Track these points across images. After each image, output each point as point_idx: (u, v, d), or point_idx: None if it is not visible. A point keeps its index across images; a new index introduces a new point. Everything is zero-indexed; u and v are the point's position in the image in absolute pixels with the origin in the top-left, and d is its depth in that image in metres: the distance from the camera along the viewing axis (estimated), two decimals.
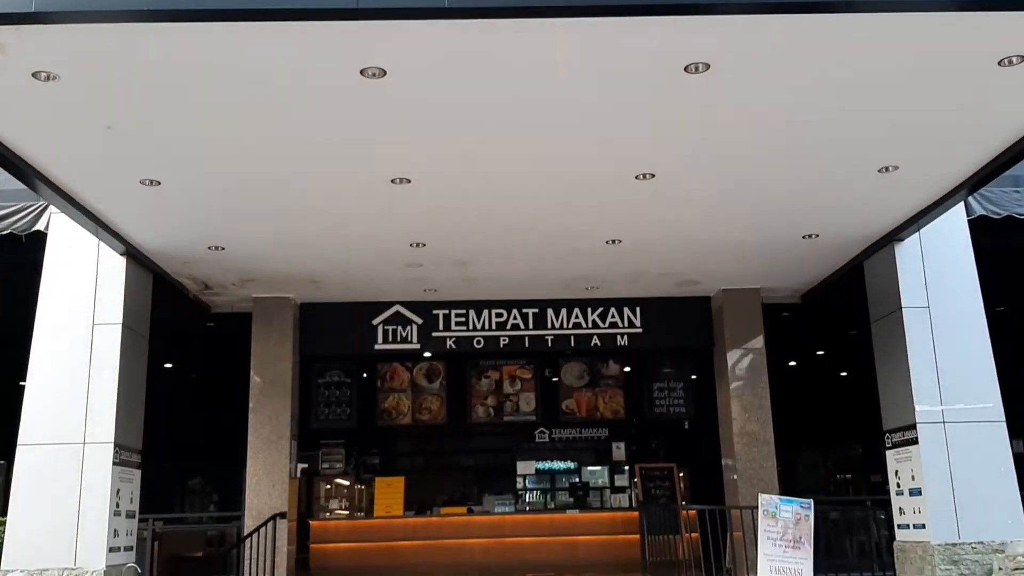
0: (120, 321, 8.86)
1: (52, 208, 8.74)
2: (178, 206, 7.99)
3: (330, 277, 10.33)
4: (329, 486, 15.93)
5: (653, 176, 7.44)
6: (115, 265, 9.01)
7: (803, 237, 9.25)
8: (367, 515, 14.96)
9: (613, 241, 9.19)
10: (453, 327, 11.53)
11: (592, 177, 7.54)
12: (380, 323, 11.49)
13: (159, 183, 7.36)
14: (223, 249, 9.18)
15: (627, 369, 15.05)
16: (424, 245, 9.15)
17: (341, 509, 15.44)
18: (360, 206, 8.08)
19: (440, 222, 8.57)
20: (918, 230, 9.12)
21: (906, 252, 9.30)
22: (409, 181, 7.41)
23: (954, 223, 9.35)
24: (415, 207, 8.09)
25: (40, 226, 9.03)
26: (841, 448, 23.21)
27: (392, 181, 7.41)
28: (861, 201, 8.29)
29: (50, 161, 6.88)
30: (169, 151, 6.79)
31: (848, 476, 23.34)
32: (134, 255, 9.07)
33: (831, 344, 15.72)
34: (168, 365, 15.67)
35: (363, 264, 9.82)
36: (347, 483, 16.04)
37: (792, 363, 15.69)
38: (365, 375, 14.99)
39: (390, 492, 14.63)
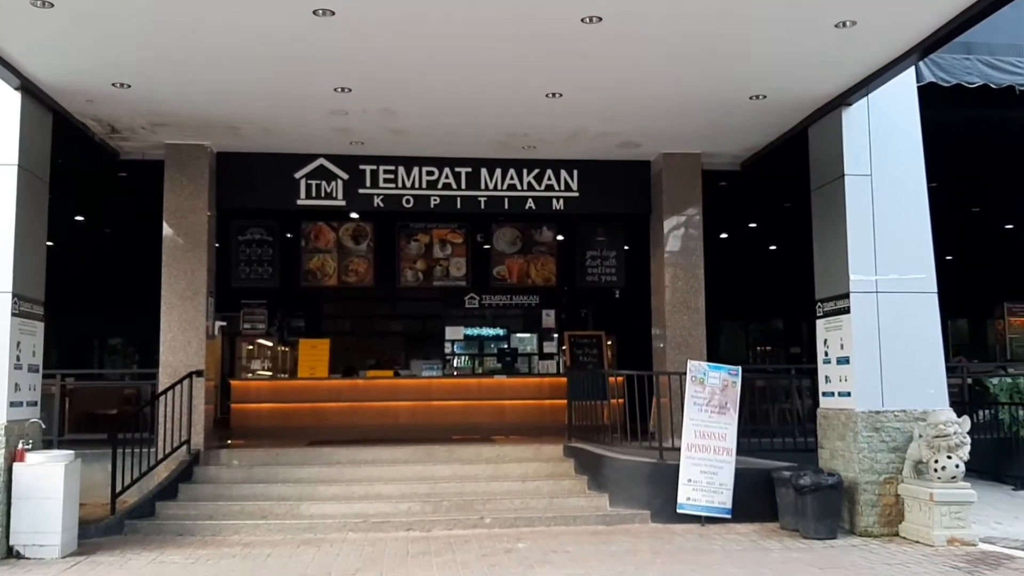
0: (16, 162, 8.09)
1: None
2: (76, 34, 7.18)
3: (249, 123, 9.62)
4: (251, 347, 15.58)
5: (600, 20, 6.88)
6: (9, 100, 8.16)
7: (750, 98, 8.87)
8: (291, 377, 14.69)
9: (554, 95, 8.66)
10: (381, 184, 10.97)
11: (535, 21, 6.95)
12: (303, 177, 10.87)
13: (52, 5, 6.55)
14: (129, 87, 8.39)
15: (560, 237, 14.77)
16: (349, 91, 8.50)
17: (264, 370, 15.14)
18: (280, 43, 7.36)
19: (367, 65, 7.91)
20: (867, 95, 8.80)
21: (853, 118, 8.99)
22: (333, 13, 6.72)
23: (903, 90, 9.04)
24: (340, 46, 7.42)
25: None
26: (762, 321, 23.71)
27: (315, 12, 6.71)
28: (813, 60, 7.90)
29: None
30: None
31: (768, 348, 23.98)
32: (30, 90, 8.22)
33: (763, 217, 15.66)
34: (80, 218, 14.90)
35: (284, 109, 9.13)
36: (270, 344, 15.68)
37: (723, 235, 15.62)
38: (289, 235, 14.42)
39: (315, 354, 14.34)
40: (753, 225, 16.42)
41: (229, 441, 11.69)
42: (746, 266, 16.59)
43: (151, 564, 7.45)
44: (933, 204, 9.03)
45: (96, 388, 13.28)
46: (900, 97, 9.06)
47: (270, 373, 15.07)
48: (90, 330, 18.92)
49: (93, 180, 12.20)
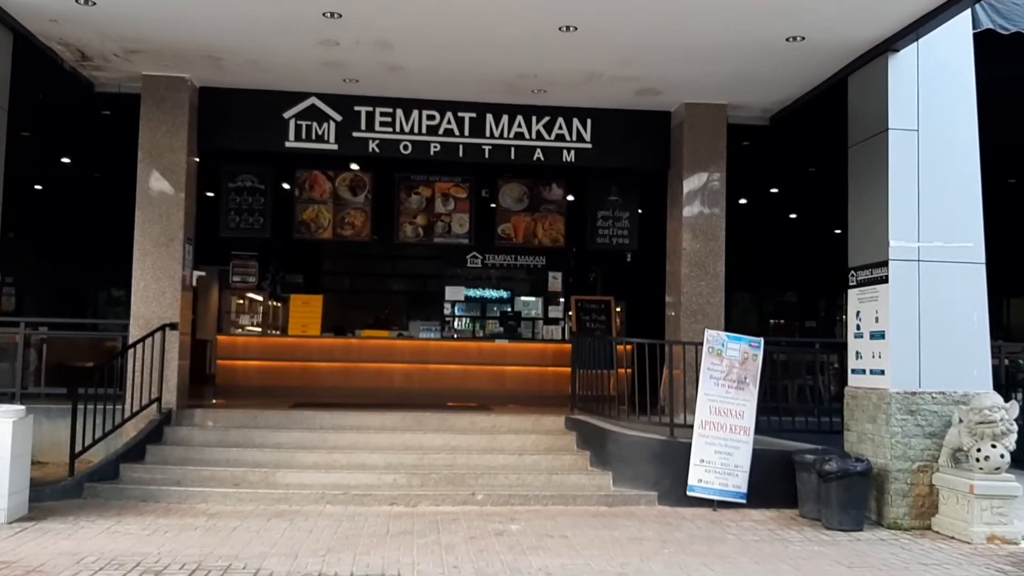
0: None
1: None
2: None
3: (231, 52, 8.73)
4: (241, 301, 14.84)
5: None
6: None
7: (787, 39, 7.94)
8: (282, 334, 13.93)
9: (567, 28, 7.74)
10: (377, 128, 10.08)
11: None
12: (292, 117, 9.99)
13: None
14: (94, 4, 7.50)
15: (570, 198, 13.88)
16: (340, 16, 7.59)
17: (253, 326, 14.38)
18: None
19: None
20: (916, 40, 7.88)
21: (900, 66, 8.06)
22: None
23: (957, 37, 8.10)
24: None
25: None
26: (777, 293, 22.83)
27: None
28: None
29: None
30: None
31: (781, 321, 23.12)
32: None
33: (786, 181, 14.71)
34: (66, 160, 14.07)
35: (269, 37, 8.23)
36: (261, 299, 14.90)
37: (742, 200, 14.70)
38: (286, 186, 13.58)
39: (306, 311, 13.56)
40: (775, 190, 15.50)
41: (211, 400, 10.96)
42: (762, 235, 15.67)
43: (103, 534, 6.70)
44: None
45: (76, 339, 12.51)
46: (953, 44, 8.12)
47: (260, 329, 14.30)
48: (90, 280, 18.15)
49: (75, 118, 11.37)
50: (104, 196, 14.35)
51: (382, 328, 14.79)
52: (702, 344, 8.45)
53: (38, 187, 15.36)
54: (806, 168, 13.89)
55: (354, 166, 13.47)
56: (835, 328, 21.60)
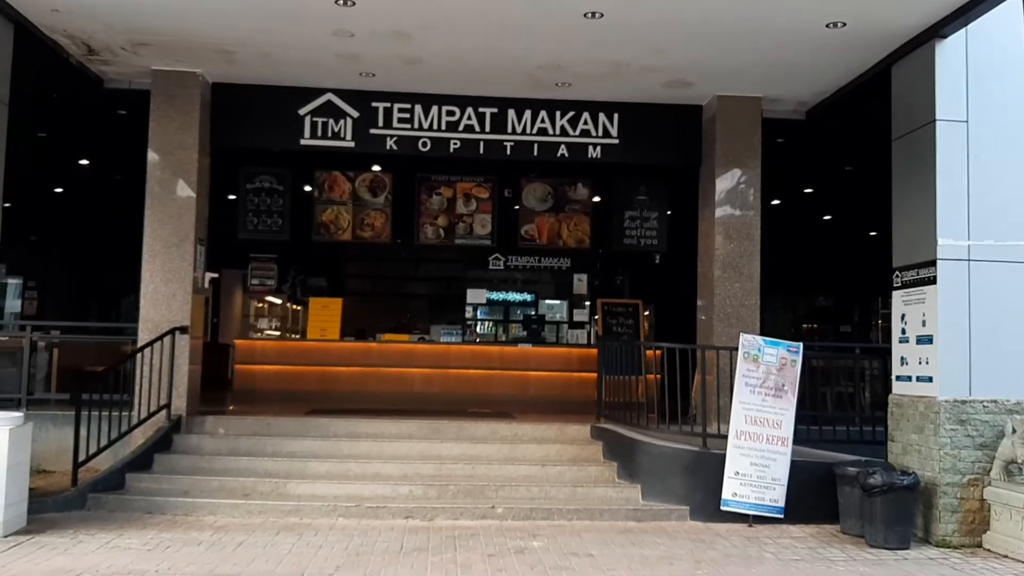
0: None
1: None
2: None
3: (243, 46, 8.39)
4: (261, 304, 14.53)
5: None
6: None
7: (827, 25, 7.46)
8: (301, 338, 13.60)
9: (592, 14, 7.31)
10: (395, 124, 9.70)
11: None
12: (308, 113, 9.63)
13: None
14: None
15: (596, 199, 13.43)
16: (354, 4, 7.21)
17: (272, 329, 14.06)
18: None
19: None
20: (965, 25, 7.37)
21: (947, 52, 7.55)
22: None
23: (1008, 21, 7.56)
24: None
25: None
26: (810, 297, 22.21)
27: None
28: None
29: None
30: None
31: (815, 326, 22.50)
32: None
33: (821, 181, 14.14)
34: (84, 162, 13.84)
35: (280, 26, 7.85)
36: (280, 302, 14.59)
37: (775, 201, 14.18)
38: (307, 188, 13.25)
39: (326, 314, 13.27)
40: (809, 190, 14.94)
41: (226, 406, 10.63)
42: (795, 236, 15.14)
43: (101, 549, 6.35)
44: None
45: (88, 344, 12.24)
46: (1005, 30, 7.59)
47: (279, 333, 13.98)
48: (114, 284, 17.93)
49: (91, 118, 11.08)
50: (125, 197, 14.06)
51: (403, 332, 14.43)
52: (736, 349, 7.98)
53: (59, 189, 15.15)
54: (842, 166, 13.34)
55: (376, 167, 13.13)
56: (870, 333, 20.98)
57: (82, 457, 7.92)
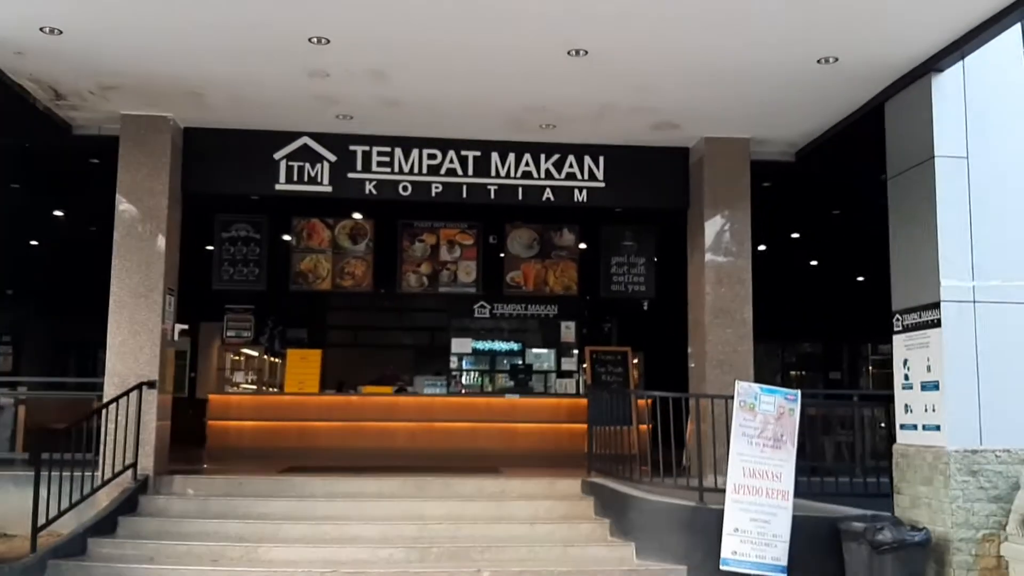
0: None
1: None
2: None
3: (215, 87, 8.09)
4: (237, 357, 14.06)
5: None
6: None
7: (818, 61, 7.23)
8: (279, 392, 13.13)
9: (577, 52, 7.06)
10: (374, 168, 9.39)
11: None
12: (283, 158, 9.32)
13: None
14: (61, 33, 6.88)
15: (583, 245, 13.13)
16: (328, 42, 6.94)
17: (248, 383, 13.59)
18: None
19: (347, 7, 6.38)
20: (962, 58, 7.15)
21: (944, 87, 7.32)
22: None
23: (1005, 53, 7.39)
24: None
25: None
26: (797, 343, 21.92)
27: None
28: (899, 10, 6.30)
29: None
30: None
31: (803, 373, 22.18)
32: None
33: (808, 225, 13.93)
34: (59, 214, 13.46)
35: (252, 67, 7.57)
36: (256, 355, 14.14)
37: (761, 247, 13.94)
38: (285, 236, 12.91)
39: (304, 366, 12.82)
40: (796, 235, 14.72)
41: (199, 465, 10.13)
42: (782, 282, 14.83)
43: None
44: None
45: (59, 399, 11.73)
46: (1002, 62, 7.41)
47: (255, 387, 13.51)
48: (90, 337, 17.45)
49: (63, 168, 10.76)
50: (100, 248, 13.70)
51: (387, 383, 14.00)
52: (731, 397, 7.60)
53: (34, 242, 14.75)
54: (830, 209, 13.16)
55: (356, 215, 12.81)
56: (859, 379, 20.71)
57: (42, 520, 7.39)
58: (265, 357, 14.05)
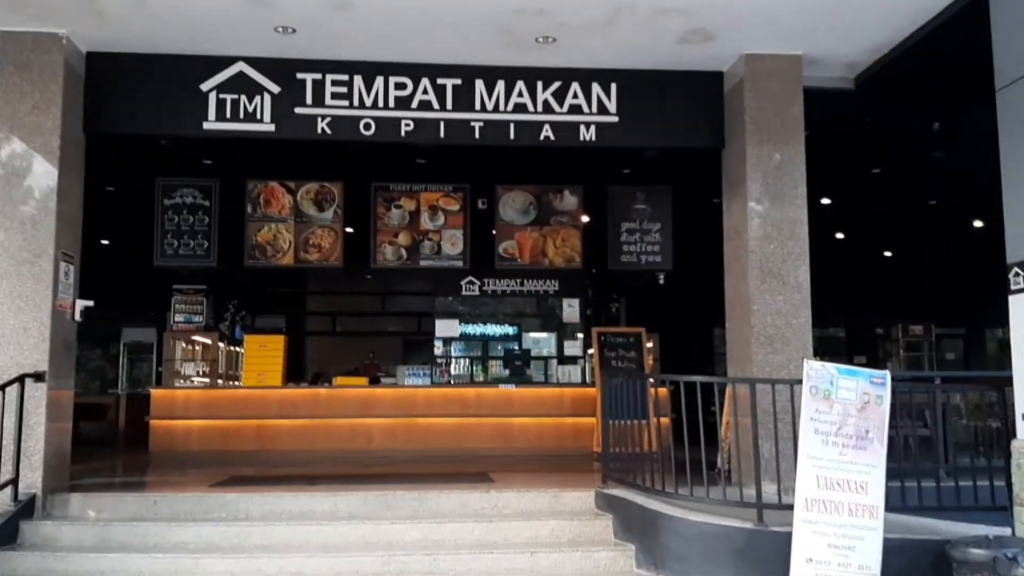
0: None
1: None
2: None
3: None
4: (187, 346, 12.12)
5: None
6: None
7: None
8: (238, 386, 11.25)
9: None
10: (328, 101, 7.45)
11: None
12: (213, 89, 7.36)
13: None
14: None
15: (586, 216, 11.23)
16: None
17: (200, 376, 11.69)
18: None
19: None
20: None
21: None
22: None
23: None
24: None
25: None
26: (818, 327, 20.12)
27: None
28: None
29: None
30: None
31: (824, 358, 20.36)
32: None
33: (842, 184, 11.92)
34: None
35: None
36: (210, 342, 12.22)
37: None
38: (239, 203, 10.98)
39: (264, 355, 10.99)
40: (826, 201, 12.78)
41: (124, 476, 8.24)
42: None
43: None
44: None
45: None
46: None
47: (207, 381, 11.61)
48: None
49: None
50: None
51: (362, 374, 12.15)
52: (793, 382, 5.72)
53: None
54: (870, 166, 11.28)
55: (323, 182, 10.90)
56: (887, 364, 18.90)
57: None
58: (221, 346, 12.16)
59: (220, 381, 11.93)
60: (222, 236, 10.90)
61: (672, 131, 7.76)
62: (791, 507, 5.46)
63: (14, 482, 6.37)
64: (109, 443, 12.14)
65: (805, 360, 5.75)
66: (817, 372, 5.62)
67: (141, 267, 10.98)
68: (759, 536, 5.57)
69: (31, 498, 6.44)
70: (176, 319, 11.68)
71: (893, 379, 5.76)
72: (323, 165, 10.72)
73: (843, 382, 5.62)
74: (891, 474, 5.92)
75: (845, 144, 9.73)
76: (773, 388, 6.09)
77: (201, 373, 11.64)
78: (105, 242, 12.98)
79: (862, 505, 5.48)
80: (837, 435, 5.55)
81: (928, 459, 7.20)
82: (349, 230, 11.25)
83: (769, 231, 7.20)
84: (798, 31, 6.93)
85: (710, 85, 7.71)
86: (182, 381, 11.47)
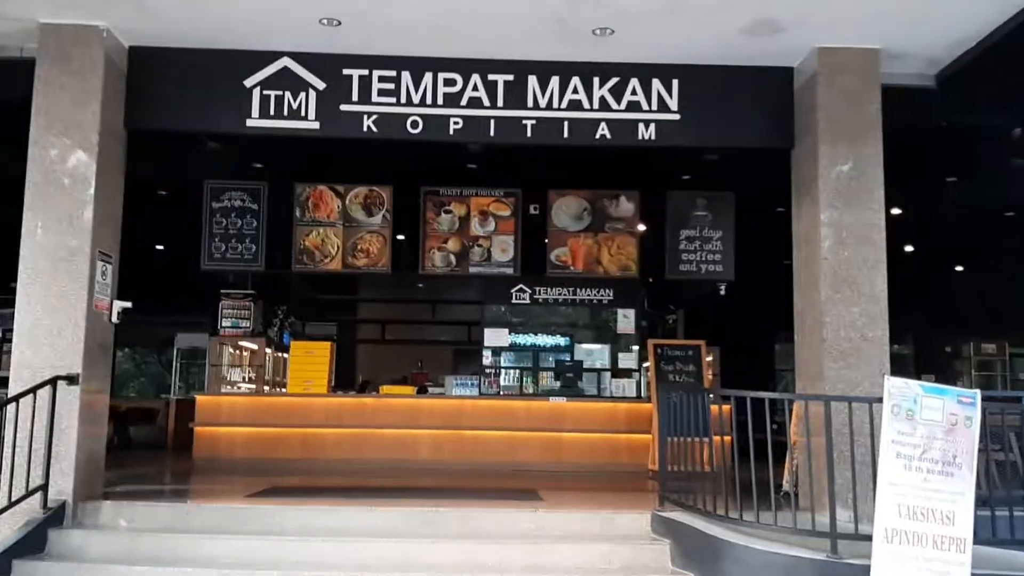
0: None
1: None
2: None
3: None
4: (234, 351, 11.96)
5: None
6: None
7: None
8: (285, 392, 11.02)
9: None
10: (375, 98, 7.14)
11: None
12: (257, 85, 7.11)
13: None
14: None
15: (642, 227, 10.76)
16: None
17: (247, 381, 11.50)
18: None
19: None
20: None
21: None
22: None
23: None
24: None
25: None
26: (892, 338, 19.31)
27: None
28: None
29: None
30: None
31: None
32: None
33: (914, 196, 11.26)
34: None
35: None
36: (256, 348, 12.03)
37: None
38: (288, 207, 10.79)
39: (310, 362, 10.75)
40: (896, 211, 12.09)
41: (165, 483, 8.01)
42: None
43: None
44: None
45: None
46: None
47: (253, 387, 11.41)
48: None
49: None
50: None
51: (410, 383, 11.85)
52: (872, 400, 5.21)
53: None
54: (945, 174, 10.65)
55: (372, 187, 10.65)
56: (958, 383, 18.01)
57: None
58: (268, 351, 11.97)
59: (267, 387, 11.76)
60: (270, 240, 10.72)
61: (737, 129, 7.28)
62: (869, 537, 4.94)
63: (44, 488, 6.14)
64: (157, 448, 12.05)
65: (886, 376, 5.22)
66: (900, 390, 5.10)
67: (192, 271, 10.86)
68: (833, 568, 5.05)
69: (61, 505, 6.20)
70: (224, 324, 11.51)
71: (989, 398, 5.23)
72: (372, 169, 10.47)
73: (928, 401, 5.09)
74: (978, 502, 5.38)
75: (918, 150, 9.14)
76: (850, 407, 5.58)
77: (247, 379, 11.45)
78: (160, 247, 12.94)
79: (949, 537, 4.94)
80: (921, 459, 5.02)
81: (1012, 486, 6.61)
82: (400, 237, 10.98)
83: (843, 237, 6.68)
84: (877, 22, 6.42)
85: (779, 81, 7.22)
86: (228, 387, 11.29)
